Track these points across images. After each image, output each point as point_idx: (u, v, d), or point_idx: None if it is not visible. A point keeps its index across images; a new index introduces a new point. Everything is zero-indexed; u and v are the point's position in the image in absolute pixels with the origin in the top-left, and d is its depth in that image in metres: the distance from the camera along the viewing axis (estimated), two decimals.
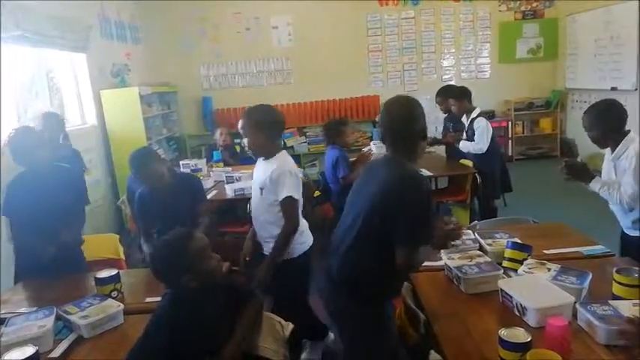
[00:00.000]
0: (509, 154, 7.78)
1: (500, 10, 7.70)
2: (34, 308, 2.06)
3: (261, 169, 2.48)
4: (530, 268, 2.00)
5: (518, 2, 7.67)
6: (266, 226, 2.48)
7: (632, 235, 2.45)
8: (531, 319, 1.67)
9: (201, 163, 4.91)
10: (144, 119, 5.85)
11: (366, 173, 1.97)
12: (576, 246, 2.38)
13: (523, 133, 7.96)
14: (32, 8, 4.31)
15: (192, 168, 4.77)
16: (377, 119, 7.39)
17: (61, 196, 2.60)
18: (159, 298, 1.81)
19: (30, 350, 1.56)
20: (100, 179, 5.51)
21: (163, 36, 7.41)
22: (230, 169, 4.85)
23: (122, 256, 3.83)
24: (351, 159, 4.15)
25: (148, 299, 2.15)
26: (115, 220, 5.62)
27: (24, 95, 4.81)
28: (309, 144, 7.64)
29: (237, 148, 5.69)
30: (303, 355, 2.77)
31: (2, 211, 2.64)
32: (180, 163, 4.99)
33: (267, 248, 2.49)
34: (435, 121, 6.08)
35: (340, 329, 2.01)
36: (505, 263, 2.11)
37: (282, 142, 5.69)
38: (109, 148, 5.79)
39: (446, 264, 2.15)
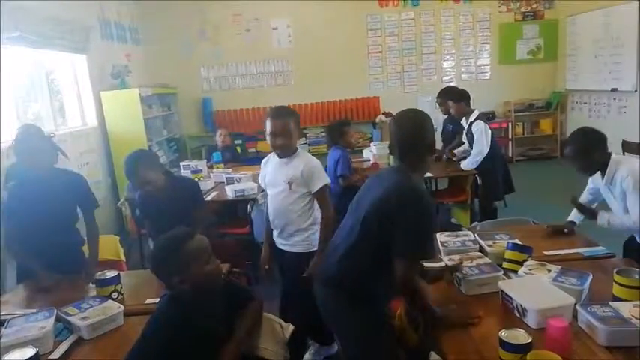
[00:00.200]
0: (510, 155, 7.79)
1: (500, 12, 7.71)
2: (35, 309, 2.06)
3: (284, 167, 2.51)
4: (530, 269, 1.99)
5: (518, 3, 7.68)
6: (295, 219, 2.52)
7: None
8: (531, 320, 1.66)
9: (202, 164, 4.91)
10: (144, 120, 5.85)
11: (372, 181, 1.98)
12: (576, 247, 2.38)
13: (523, 134, 7.97)
14: (32, 9, 4.32)
15: (192, 169, 4.77)
16: (376, 120, 7.40)
17: (64, 201, 2.60)
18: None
19: (30, 352, 1.56)
20: (100, 180, 5.51)
21: (163, 37, 7.42)
22: (230, 170, 4.85)
23: (122, 258, 3.84)
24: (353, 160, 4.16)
25: (149, 300, 2.15)
26: (116, 221, 5.62)
27: (24, 97, 4.81)
28: (309, 145, 7.65)
29: (239, 150, 5.69)
30: (306, 356, 2.78)
31: (2, 212, 2.64)
32: (181, 164, 4.99)
33: (293, 242, 2.55)
34: (434, 122, 6.04)
35: (337, 332, 2.02)
36: (505, 264, 2.11)
37: None
38: (110, 149, 5.79)
39: (446, 265, 2.15)
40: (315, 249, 2.49)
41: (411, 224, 1.67)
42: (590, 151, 2.36)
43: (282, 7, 7.45)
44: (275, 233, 2.64)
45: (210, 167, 5.09)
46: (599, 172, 2.44)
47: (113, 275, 2.23)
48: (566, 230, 2.61)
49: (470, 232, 2.56)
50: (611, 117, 6.58)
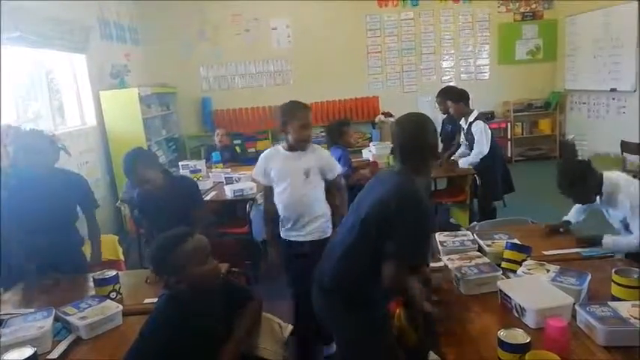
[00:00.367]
0: (509, 155, 7.78)
1: (499, 12, 7.71)
2: (33, 309, 2.06)
3: (299, 159, 2.57)
4: (529, 269, 2.00)
5: (518, 4, 7.68)
6: (309, 208, 2.59)
7: None
8: (530, 320, 1.67)
9: (201, 164, 4.90)
10: (143, 120, 5.85)
11: (373, 182, 1.97)
12: (575, 247, 2.38)
13: (522, 134, 7.97)
14: (31, 9, 4.31)
15: (191, 169, 4.76)
16: (376, 120, 7.41)
17: (63, 200, 2.60)
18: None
19: (28, 351, 1.55)
20: (99, 180, 5.51)
21: (163, 37, 7.41)
22: (229, 170, 4.84)
23: (121, 257, 3.85)
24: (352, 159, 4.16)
25: (147, 300, 2.14)
26: (115, 221, 5.62)
27: (24, 96, 4.81)
28: None
29: (238, 149, 5.68)
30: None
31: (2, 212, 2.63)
32: (180, 164, 4.98)
33: (307, 232, 2.59)
34: (434, 122, 6.06)
35: (334, 334, 2.00)
36: (504, 264, 2.11)
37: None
38: (109, 149, 5.79)
39: (445, 265, 2.15)
40: (328, 236, 2.55)
41: (408, 229, 1.66)
42: (583, 182, 2.37)
43: (281, 7, 7.45)
44: (287, 226, 2.65)
45: (210, 167, 5.09)
46: None
47: (112, 275, 2.23)
48: (561, 229, 2.63)
49: (469, 232, 2.56)
50: (610, 117, 6.58)
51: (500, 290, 1.84)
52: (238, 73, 7.72)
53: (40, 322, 1.89)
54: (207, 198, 3.98)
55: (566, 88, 7.63)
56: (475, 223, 3.27)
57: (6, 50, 4.05)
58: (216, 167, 5.06)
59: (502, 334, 1.47)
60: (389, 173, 1.97)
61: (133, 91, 5.78)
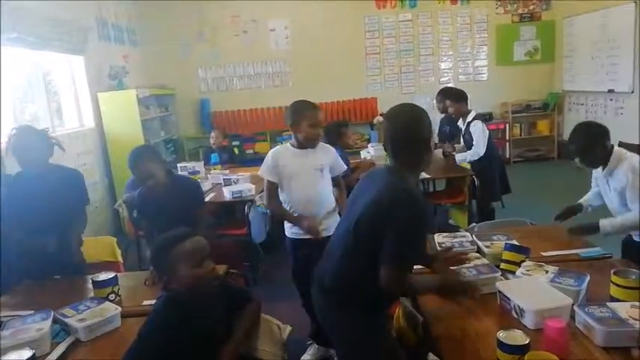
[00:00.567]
0: (507, 156, 7.80)
1: (497, 13, 7.73)
2: (31, 311, 2.05)
3: (311, 156, 2.62)
4: (528, 270, 1.99)
5: (516, 5, 7.70)
6: (323, 202, 2.66)
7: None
8: (529, 321, 1.67)
9: (199, 165, 4.90)
10: (141, 122, 5.84)
11: (365, 182, 1.90)
12: (574, 248, 2.38)
13: (520, 135, 7.98)
14: (29, 10, 4.31)
15: (189, 170, 4.76)
16: (374, 122, 7.40)
17: (61, 197, 2.59)
18: None
19: (27, 353, 1.55)
20: (97, 182, 5.50)
21: (161, 38, 7.41)
22: (228, 171, 4.84)
23: (120, 259, 3.82)
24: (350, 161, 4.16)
25: (146, 302, 2.14)
26: (113, 222, 5.61)
27: (21, 97, 4.80)
28: None
29: (236, 151, 5.68)
30: (305, 356, 2.77)
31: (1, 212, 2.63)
32: (178, 165, 4.97)
33: (327, 224, 2.61)
34: (432, 122, 6.07)
35: (333, 337, 1.97)
36: (503, 265, 2.11)
37: (281, 144, 5.71)
38: (107, 150, 5.78)
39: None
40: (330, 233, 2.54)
41: (402, 230, 1.60)
42: (594, 145, 2.39)
43: (279, 8, 7.45)
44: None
45: (208, 168, 5.08)
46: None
47: (110, 277, 2.22)
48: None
49: (467, 233, 2.56)
50: (608, 118, 6.59)
51: (499, 291, 1.84)
52: (237, 74, 7.72)
53: (39, 324, 1.88)
54: (206, 199, 3.97)
55: (564, 89, 7.65)
56: (474, 224, 3.27)
57: (3, 51, 4.04)
58: (215, 169, 5.06)
59: (501, 335, 1.47)
60: (381, 171, 1.86)
61: (131, 93, 5.78)
